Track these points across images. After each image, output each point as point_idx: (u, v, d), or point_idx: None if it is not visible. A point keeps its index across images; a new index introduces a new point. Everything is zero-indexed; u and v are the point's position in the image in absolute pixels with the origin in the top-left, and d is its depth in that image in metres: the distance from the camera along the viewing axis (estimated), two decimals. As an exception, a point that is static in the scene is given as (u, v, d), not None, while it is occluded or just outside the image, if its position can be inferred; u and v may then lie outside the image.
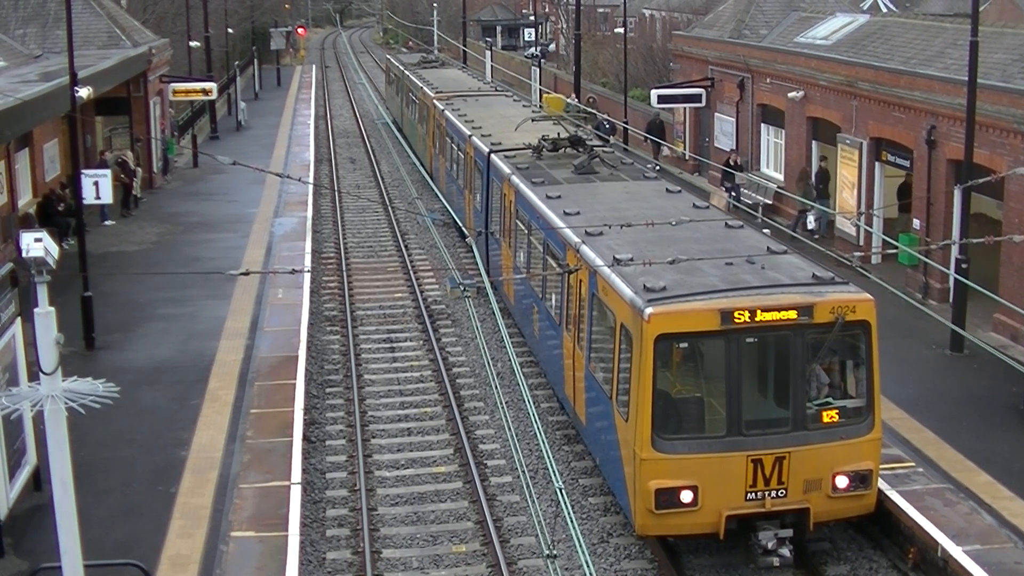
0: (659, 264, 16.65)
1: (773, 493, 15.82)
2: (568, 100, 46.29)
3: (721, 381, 15.87)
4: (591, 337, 18.44)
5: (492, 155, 28.11)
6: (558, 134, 28.27)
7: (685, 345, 16.14)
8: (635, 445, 15.74)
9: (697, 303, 15.79)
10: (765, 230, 20.93)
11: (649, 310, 15.61)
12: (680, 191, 23.33)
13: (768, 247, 18.20)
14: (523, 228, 24.00)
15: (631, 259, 17.23)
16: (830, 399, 16.24)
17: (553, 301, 21.31)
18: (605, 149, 27.99)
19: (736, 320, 15.57)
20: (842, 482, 16.02)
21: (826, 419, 16.10)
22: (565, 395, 20.32)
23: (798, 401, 15.96)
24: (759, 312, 15.64)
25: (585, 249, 18.79)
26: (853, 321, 15.89)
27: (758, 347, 16.15)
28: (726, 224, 19.98)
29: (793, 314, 15.71)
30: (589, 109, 42.97)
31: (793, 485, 15.84)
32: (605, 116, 44.51)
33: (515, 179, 24.87)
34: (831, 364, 16.48)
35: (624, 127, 46.24)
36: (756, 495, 15.80)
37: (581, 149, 26.83)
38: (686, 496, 15.61)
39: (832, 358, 16.43)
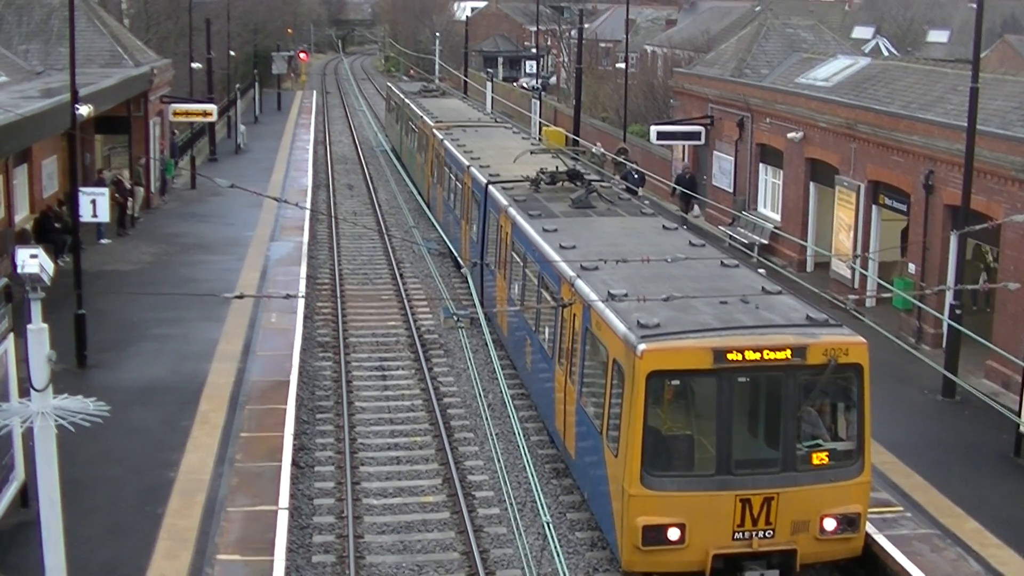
0: (653, 301, 16.66)
1: (761, 533, 15.78)
2: (594, 148, 45.95)
3: (712, 420, 15.85)
4: (583, 371, 18.43)
5: (490, 186, 28.15)
6: (556, 167, 28.33)
7: (677, 382, 16.12)
8: (623, 481, 15.71)
9: (690, 341, 15.79)
10: (760, 270, 20.97)
11: (642, 346, 15.61)
12: (677, 228, 23.41)
13: (763, 287, 18.23)
14: (518, 260, 24.02)
15: (626, 295, 17.26)
16: (820, 441, 16.23)
17: (546, 334, 21.31)
18: (603, 184, 28.04)
19: (729, 359, 15.58)
20: (830, 524, 16.00)
21: (816, 461, 16.07)
22: (555, 428, 20.28)
23: (788, 442, 15.95)
24: (752, 352, 15.64)
25: (580, 283, 18.80)
26: (846, 364, 15.90)
27: (750, 387, 16.15)
28: (722, 263, 20.02)
29: (786, 355, 15.71)
30: (619, 159, 42.57)
31: (781, 526, 15.82)
32: (634, 165, 44.31)
33: (512, 211, 24.91)
34: (822, 406, 16.48)
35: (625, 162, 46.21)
36: (743, 535, 15.77)
37: (579, 183, 26.88)
38: (673, 534, 15.58)
39: (824, 400, 16.43)
